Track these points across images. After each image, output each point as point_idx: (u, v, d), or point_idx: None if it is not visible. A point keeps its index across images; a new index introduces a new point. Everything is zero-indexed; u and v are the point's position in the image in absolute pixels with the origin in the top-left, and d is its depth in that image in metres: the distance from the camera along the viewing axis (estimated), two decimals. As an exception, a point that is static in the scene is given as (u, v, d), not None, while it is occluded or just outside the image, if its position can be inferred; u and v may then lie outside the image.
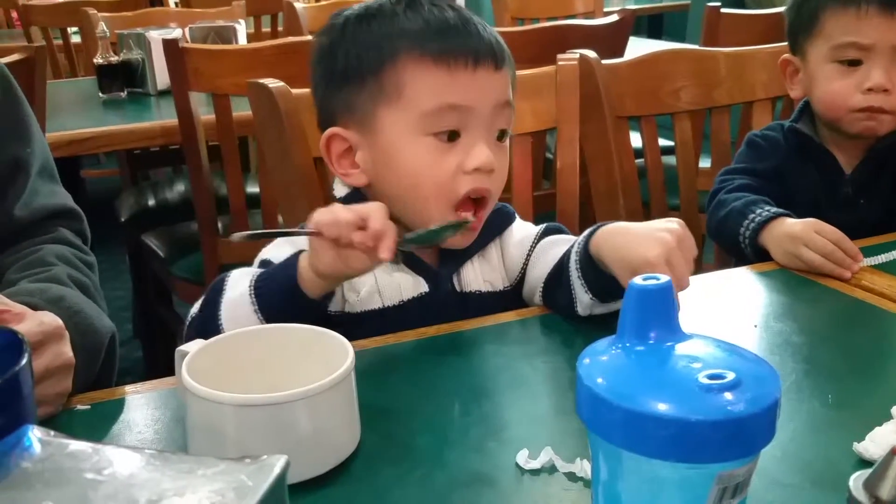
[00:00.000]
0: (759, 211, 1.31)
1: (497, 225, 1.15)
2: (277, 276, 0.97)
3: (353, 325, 1.05)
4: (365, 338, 1.02)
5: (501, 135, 1.08)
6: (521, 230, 1.18)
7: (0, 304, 0.85)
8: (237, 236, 0.95)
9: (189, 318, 1.02)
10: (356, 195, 1.10)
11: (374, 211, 0.91)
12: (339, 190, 1.13)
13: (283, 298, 0.95)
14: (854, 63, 1.38)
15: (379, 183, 1.08)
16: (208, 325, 0.97)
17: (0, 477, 0.48)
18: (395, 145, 1.05)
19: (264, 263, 1.06)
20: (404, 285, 1.09)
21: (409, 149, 1.04)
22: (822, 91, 1.42)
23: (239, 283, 0.98)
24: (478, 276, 1.14)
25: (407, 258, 1.08)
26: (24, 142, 1.12)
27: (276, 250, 1.06)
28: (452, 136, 1.03)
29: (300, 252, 0.97)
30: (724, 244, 1.40)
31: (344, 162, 1.09)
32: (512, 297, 1.16)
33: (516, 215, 1.19)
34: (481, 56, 1.04)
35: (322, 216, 0.91)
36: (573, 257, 1.06)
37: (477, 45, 1.04)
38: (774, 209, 1.30)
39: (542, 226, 1.18)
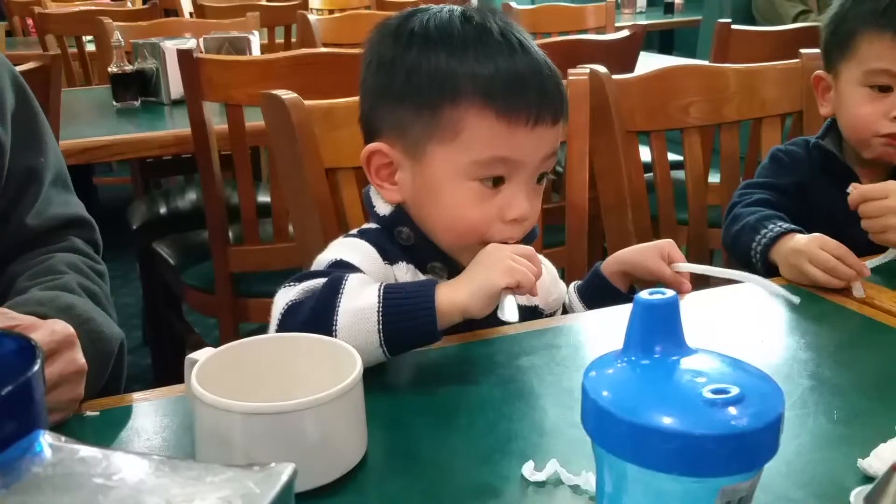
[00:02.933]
0: (770, 227, 1.31)
1: (527, 238, 1.16)
2: (412, 306, 0.95)
3: None
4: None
5: (541, 177, 1.09)
6: (548, 263, 1.24)
7: (9, 319, 0.85)
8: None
9: (287, 305, 0.98)
10: (400, 214, 1.09)
11: (534, 256, 1.00)
12: (382, 207, 1.11)
13: (411, 328, 0.94)
14: (885, 89, 1.38)
15: (415, 206, 1.08)
16: (321, 324, 0.93)
17: (11, 481, 0.49)
18: (441, 182, 1.04)
19: (340, 264, 1.04)
20: None
21: (453, 189, 1.04)
22: (850, 114, 1.42)
23: (362, 294, 0.95)
24: None
25: (450, 274, 1.09)
26: (38, 151, 1.13)
27: (345, 252, 1.06)
28: (497, 181, 1.04)
29: (433, 282, 0.97)
30: (738, 258, 1.40)
31: (382, 173, 1.09)
32: (538, 314, 1.19)
33: (537, 234, 1.20)
34: (542, 114, 1.03)
35: (524, 277, 0.96)
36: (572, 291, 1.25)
37: (540, 101, 1.03)
38: (787, 225, 1.30)
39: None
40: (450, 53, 1.03)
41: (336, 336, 0.93)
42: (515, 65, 1.03)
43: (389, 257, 1.08)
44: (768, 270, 1.29)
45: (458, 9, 1.07)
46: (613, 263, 1.20)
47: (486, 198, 1.04)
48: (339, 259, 1.05)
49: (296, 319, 0.96)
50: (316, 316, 0.95)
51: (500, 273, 0.95)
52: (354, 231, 1.14)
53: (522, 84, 1.02)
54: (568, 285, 1.28)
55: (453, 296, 0.95)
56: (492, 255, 0.99)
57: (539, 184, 1.09)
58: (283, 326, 0.97)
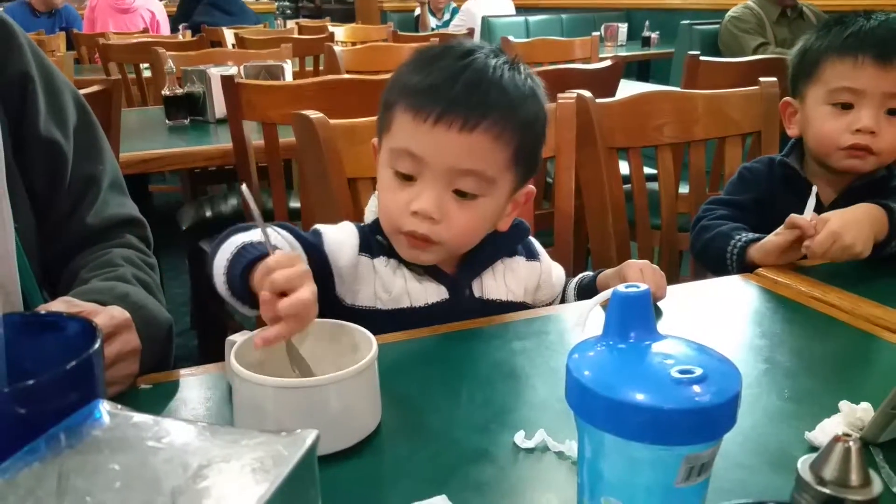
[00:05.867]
0: (743, 234, 1.34)
1: (514, 238, 1.15)
2: (246, 259, 0.88)
3: (383, 321, 1.06)
4: (393, 332, 1.03)
5: (462, 194, 1.01)
6: (557, 270, 1.24)
7: (73, 305, 0.86)
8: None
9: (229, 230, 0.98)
10: (377, 225, 1.09)
11: (297, 299, 0.77)
12: (369, 216, 1.13)
13: (235, 270, 0.89)
14: (846, 106, 1.37)
15: None
16: (222, 242, 0.94)
17: (74, 443, 0.49)
18: (378, 169, 1.07)
19: (315, 232, 1.08)
20: (429, 291, 1.09)
21: (381, 175, 1.05)
22: (816, 130, 1.41)
23: (246, 235, 0.94)
24: (500, 285, 1.14)
25: (427, 268, 1.08)
26: (96, 160, 1.13)
27: (332, 227, 1.09)
28: (407, 178, 1.02)
29: (276, 250, 0.84)
30: (708, 261, 1.40)
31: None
32: (528, 307, 1.18)
33: (530, 231, 1.20)
34: (446, 113, 0.97)
35: (264, 273, 0.80)
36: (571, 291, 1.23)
37: (449, 99, 0.97)
38: (756, 234, 1.33)
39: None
40: (415, 69, 1.02)
41: (216, 252, 0.93)
42: (445, 71, 0.99)
43: (371, 251, 1.09)
44: (742, 268, 1.30)
45: (457, 44, 1.05)
46: (602, 284, 1.20)
47: (399, 188, 1.02)
48: (317, 229, 1.08)
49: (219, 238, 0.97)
50: (224, 238, 0.95)
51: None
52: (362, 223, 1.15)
53: (437, 86, 0.98)
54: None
55: (260, 268, 0.83)
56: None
57: (460, 197, 1.01)
58: (211, 253, 0.96)
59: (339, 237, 1.08)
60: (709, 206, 1.48)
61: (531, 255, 1.19)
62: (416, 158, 1.00)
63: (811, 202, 1.32)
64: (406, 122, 1.00)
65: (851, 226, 1.24)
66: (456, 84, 0.98)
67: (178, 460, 0.47)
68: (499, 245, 1.13)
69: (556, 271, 1.24)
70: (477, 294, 1.12)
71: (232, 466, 0.47)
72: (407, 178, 1.02)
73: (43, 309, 0.86)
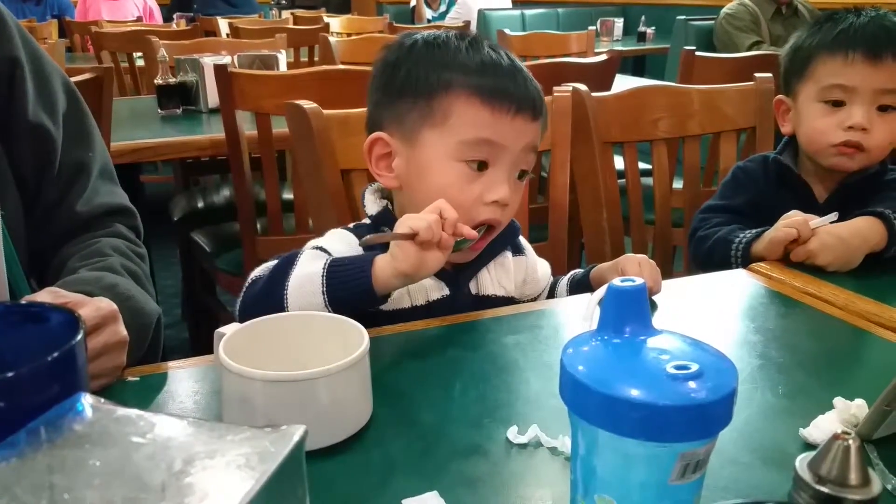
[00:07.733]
0: (741, 234, 1.33)
1: (507, 236, 1.15)
2: (351, 269, 0.94)
3: (385, 321, 1.04)
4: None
5: (522, 174, 1.07)
6: (542, 266, 1.24)
7: (59, 296, 0.84)
8: (367, 239, 0.92)
9: (252, 278, 0.98)
10: (385, 214, 1.09)
11: (444, 207, 0.92)
12: (371, 207, 1.11)
13: (351, 289, 0.93)
14: (838, 104, 1.36)
15: (408, 190, 1.07)
16: (274, 289, 0.94)
17: (55, 437, 0.48)
18: (431, 163, 1.03)
19: (320, 249, 1.04)
20: (430, 288, 1.08)
21: (441, 168, 1.03)
22: (808, 127, 1.40)
23: (312, 263, 0.96)
24: (493, 281, 1.14)
25: None
26: (86, 147, 1.12)
27: (329, 241, 1.06)
28: (481, 166, 1.02)
29: (376, 254, 0.94)
30: (714, 266, 1.37)
31: (381, 164, 1.08)
32: (514, 302, 1.17)
33: (520, 231, 1.20)
34: (522, 106, 1.02)
35: (416, 222, 0.90)
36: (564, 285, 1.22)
37: (521, 95, 1.03)
38: (754, 231, 1.32)
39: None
40: (443, 53, 1.04)
41: (287, 299, 0.93)
42: (500, 65, 1.03)
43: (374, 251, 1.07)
44: (746, 263, 1.29)
45: (455, 32, 1.09)
46: (597, 277, 1.18)
47: (470, 179, 1.02)
48: (320, 245, 1.04)
49: (254, 288, 0.96)
50: (272, 282, 0.95)
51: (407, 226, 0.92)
52: (351, 225, 1.12)
53: (505, 77, 1.03)
54: (553, 275, 1.27)
55: (387, 263, 0.93)
56: (401, 220, 0.94)
57: (520, 180, 1.07)
58: (245, 295, 0.97)
59: (343, 248, 1.05)
60: (703, 214, 1.46)
61: (517, 250, 1.20)
62: (496, 146, 1.02)
63: (831, 217, 1.28)
64: (480, 112, 1.01)
65: (833, 249, 1.23)
66: (517, 76, 1.04)
67: (162, 456, 0.46)
68: (495, 242, 1.13)
69: (542, 266, 1.24)
70: (473, 291, 1.12)
71: (217, 463, 0.46)
72: (479, 168, 1.03)
73: (29, 299, 0.85)
